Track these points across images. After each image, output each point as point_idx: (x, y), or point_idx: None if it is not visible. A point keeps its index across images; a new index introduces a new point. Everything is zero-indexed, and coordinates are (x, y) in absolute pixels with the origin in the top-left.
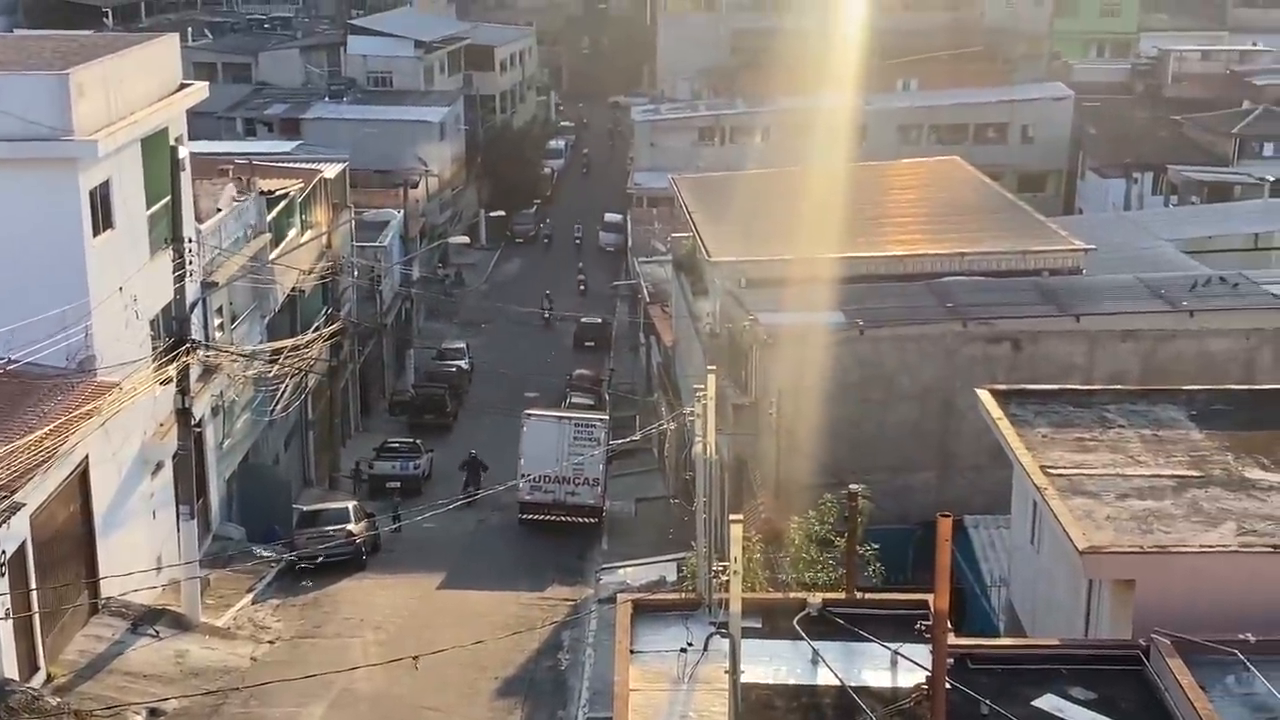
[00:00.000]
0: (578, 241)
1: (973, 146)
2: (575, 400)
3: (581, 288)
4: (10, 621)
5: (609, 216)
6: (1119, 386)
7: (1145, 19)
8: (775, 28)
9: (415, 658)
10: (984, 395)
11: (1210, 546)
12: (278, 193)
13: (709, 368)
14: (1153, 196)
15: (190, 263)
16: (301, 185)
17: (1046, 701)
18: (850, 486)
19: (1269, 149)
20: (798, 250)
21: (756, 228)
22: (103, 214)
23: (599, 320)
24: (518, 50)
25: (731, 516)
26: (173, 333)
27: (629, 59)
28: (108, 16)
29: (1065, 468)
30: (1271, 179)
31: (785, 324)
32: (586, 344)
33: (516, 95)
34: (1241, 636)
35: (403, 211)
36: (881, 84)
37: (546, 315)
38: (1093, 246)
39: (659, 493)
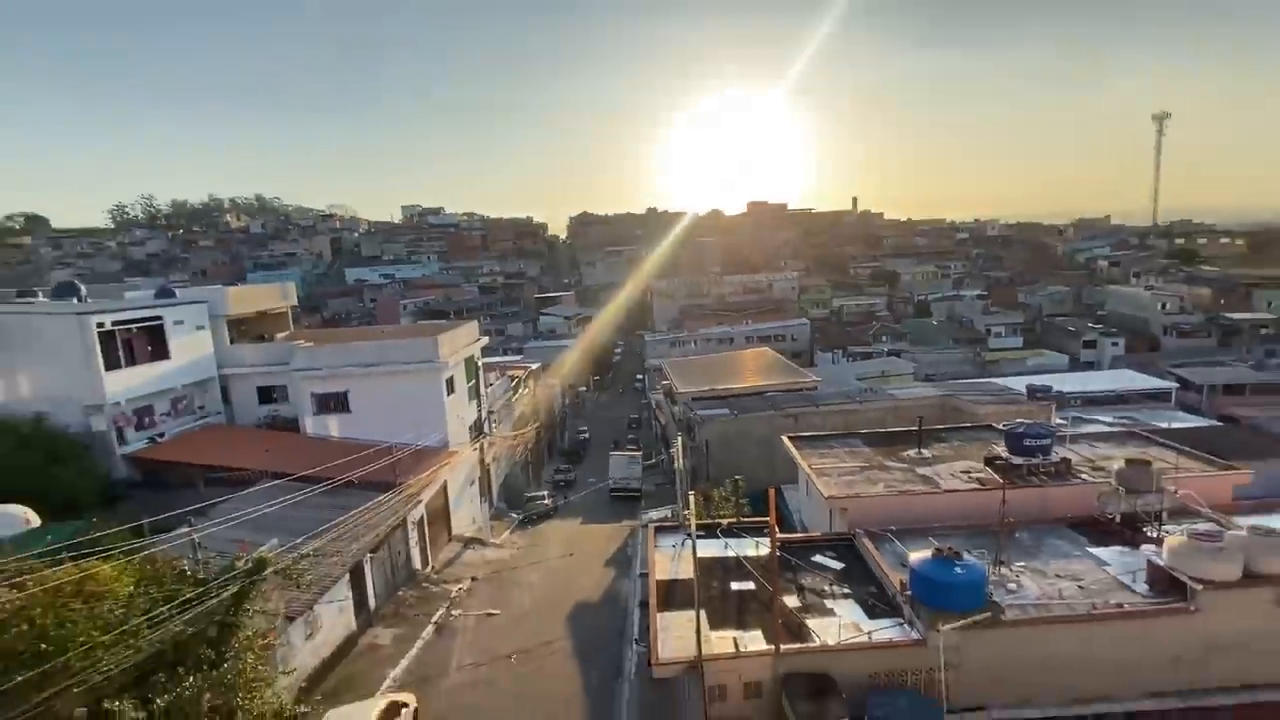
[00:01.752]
0: (636, 384)
1: (773, 343)
2: (629, 448)
3: (634, 423)
4: (418, 546)
5: (638, 376)
6: (835, 432)
7: (834, 293)
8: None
9: (570, 554)
10: (785, 439)
11: (876, 495)
12: (516, 376)
13: (678, 435)
14: (843, 359)
15: (484, 404)
16: (524, 373)
17: (817, 559)
18: (736, 477)
19: (884, 339)
20: (711, 384)
21: (696, 376)
22: (449, 387)
23: (636, 416)
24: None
25: (690, 492)
26: (478, 430)
27: (636, 318)
28: (450, 315)
29: (818, 464)
30: (885, 351)
31: (707, 414)
32: (632, 424)
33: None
34: (890, 529)
35: (560, 381)
36: (738, 321)
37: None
38: (820, 379)
39: (664, 482)
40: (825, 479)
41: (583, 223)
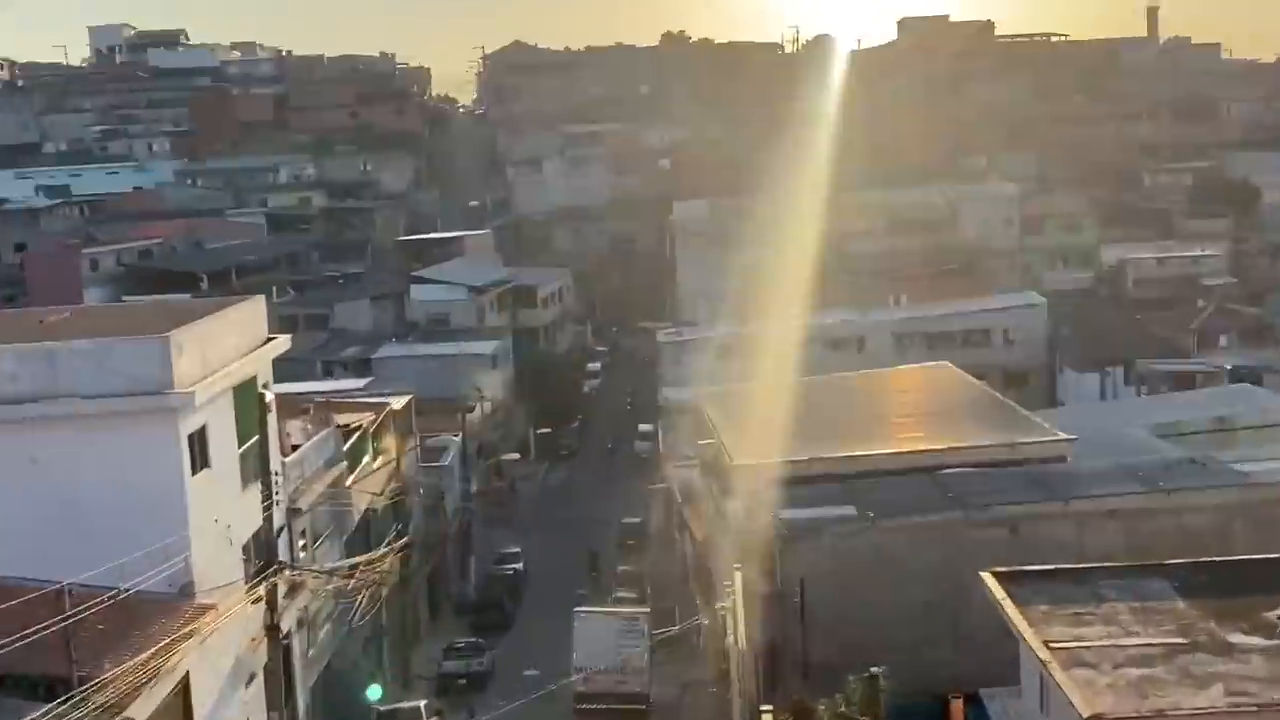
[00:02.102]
0: (609, 448)
1: (959, 351)
2: (620, 595)
3: (629, 539)
4: None
5: (642, 427)
6: (1108, 564)
7: (1104, 233)
8: (776, 258)
9: None
10: (988, 579)
11: (1202, 709)
12: (352, 426)
13: (735, 565)
14: (1124, 387)
15: (276, 493)
16: (373, 418)
17: None
18: (871, 669)
19: (1223, 340)
20: (811, 451)
21: (773, 433)
22: (200, 455)
23: (637, 520)
24: (557, 289)
25: (762, 706)
26: (262, 556)
27: (654, 289)
28: (203, 282)
29: (1065, 641)
30: (1229, 367)
31: (804, 519)
32: (629, 542)
33: (556, 327)
34: None
35: (462, 434)
36: (875, 299)
37: (594, 573)
38: (1074, 436)
39: (702, 676)
40: (1085, 676)
41: (513, 68)
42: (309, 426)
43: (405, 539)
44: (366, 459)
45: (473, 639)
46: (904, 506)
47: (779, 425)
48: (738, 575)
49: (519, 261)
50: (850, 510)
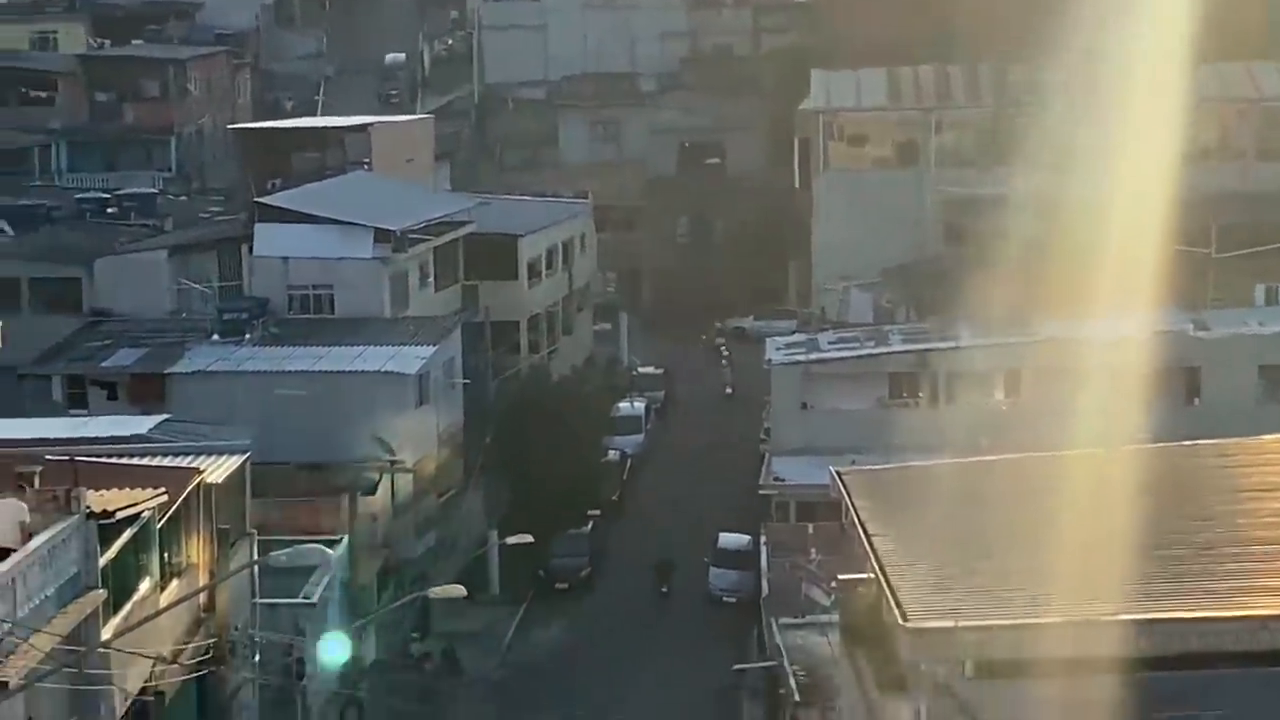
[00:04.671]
0: (664, 592)
1: None
2: None
3: None
4: None
5: (725, 540)
6: None
7: None
8: (1018, 195)
9: None
10: None
11: None
12: (120, 515)
13: None
14: None
15: None
16: (164, 499)
17: None
18: None
19: None
20: (1066, 608)
21: (990, 564)
22: None
23: None
24: (561, 241)
25: None
26: None
27: (760, 254)
28: None
29: None
30: None
31: None
32: None
33: (558, 321)
34: None
35: (347, 540)
36: (1228, 294)
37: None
38: None
39: None
40: None
41: None
42: (28, 514)
43: None
44: (147, 584)
45: None
46: None
47: (1002, 549)
48: None
49: (486, 182)
50: None
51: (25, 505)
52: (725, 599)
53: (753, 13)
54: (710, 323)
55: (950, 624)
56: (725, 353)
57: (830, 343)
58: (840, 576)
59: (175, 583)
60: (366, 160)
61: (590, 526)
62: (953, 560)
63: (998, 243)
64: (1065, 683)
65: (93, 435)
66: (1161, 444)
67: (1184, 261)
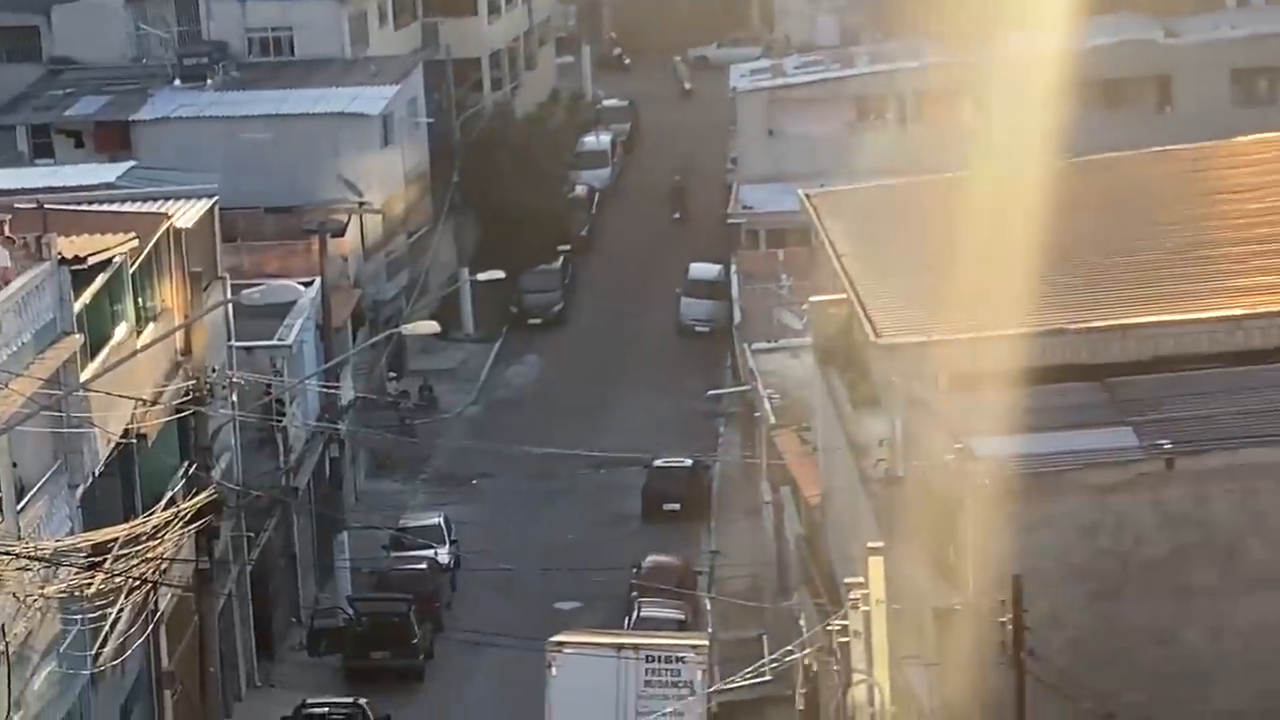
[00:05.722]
0: (677, 218)
1: None
2: (648, 614)
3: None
4: None
5: (696, 270)
6: None
7: None
8: None
9: None
10: None
11: None
12: (92, 261)
13: (871, 547)
14: None
15: None
16: (135, 244)
17: None
18: None
19: None
20: (1039, 318)
21: (962, 281)
22: None
23: (687, 463)
24: None
25: None
26: None
27: None
28: None
29: None
30: None
31: (1023, 455)
32: (666, 506)
33: (520, 56)
34: None
35: (320, 282)
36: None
37: None
38: None
39: None
40: None
41: None
42: (8, 260)
43: (205, 495)
44: (123, 329)
45: (345, 700)
46: (1239, 426)
47: (973, 265)
48: (875, 567)
49: None
50: (1122, 436)
51: (5, 251)
52: (698, 328)
53: None
54: (676, 51)
55: (923, 338)
56: (685, 83)
57: (796, 68)
58: (812, 299)
59: (151, 327)
60: None
61: (561, 261)
62: (924, 276)
63: None
64: (1039, 391)
65: (60, 184)
66: (1134, 151)
67: None
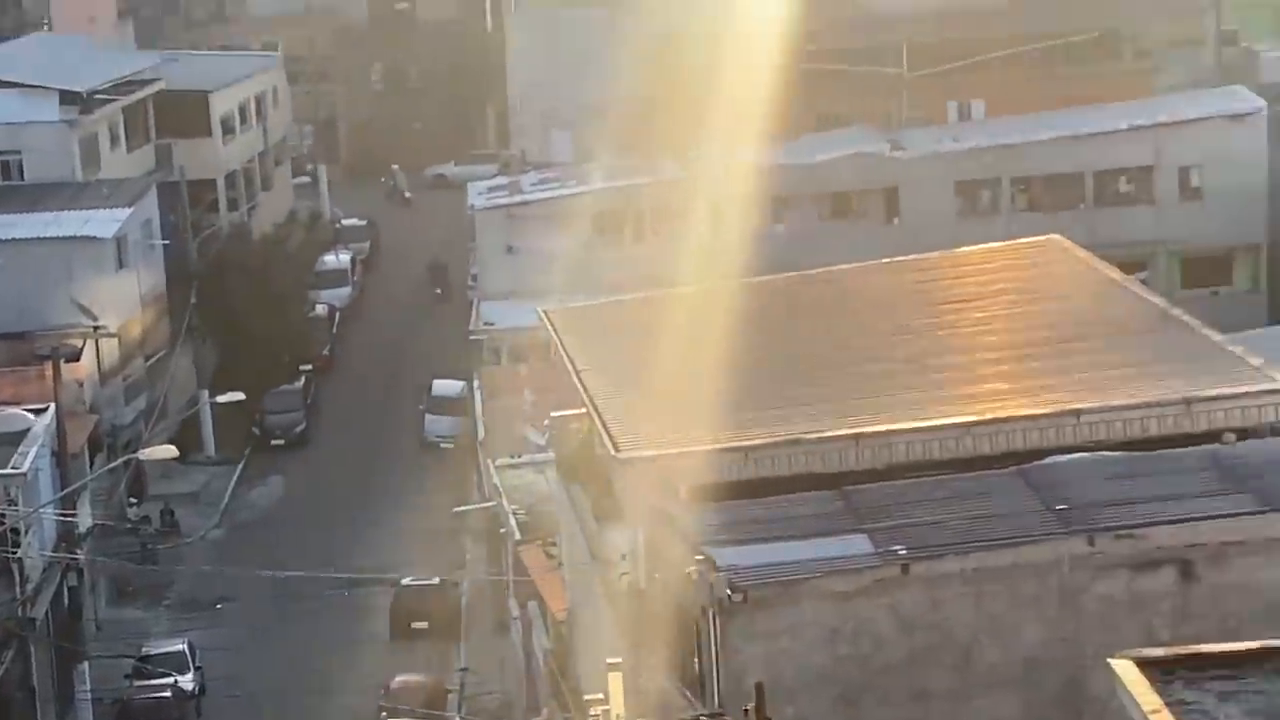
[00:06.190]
0: (439, 293)
1: (1093, 212)
2: None
3: None
4: None
5: (440, 386)
6: None
7: None
8: (720, 30)
9: None
10: (1124, 669)
11: None
12: None
13: (610, 662)
14: None
15: None
16: None
17: None
18: None
19: None
20: (776, 427)
21: (699, 394)
22: None
23: (435, 581)
24: (253, 95)
25: None
26: None
27: (457, 99)
28: None
29: None
30: None
31: (766, 564)
32: (415, 625)
33: (256, 176)
34: None
35: (54, 408)
36: (922, 111)
37: None
38: None
39: None
40: None
41: None
42: None
43: None
44: None
45: None
46: (967, 533)
47: (713, 376)
48: (616, 682)
49: (171, 39)
50: (858, 544)
51: None
52: (442, 445)
53: None
54: (417, 169)
55: (661, 452)
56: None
57: (532, 184)
58: (553, 414)
59: None
60: (46, 20)
61: (303, 381)
62: (662, 390)
63: (698, 74)
64: (777, 501)
65: None
66: (865, 263)
67: (878, 82)
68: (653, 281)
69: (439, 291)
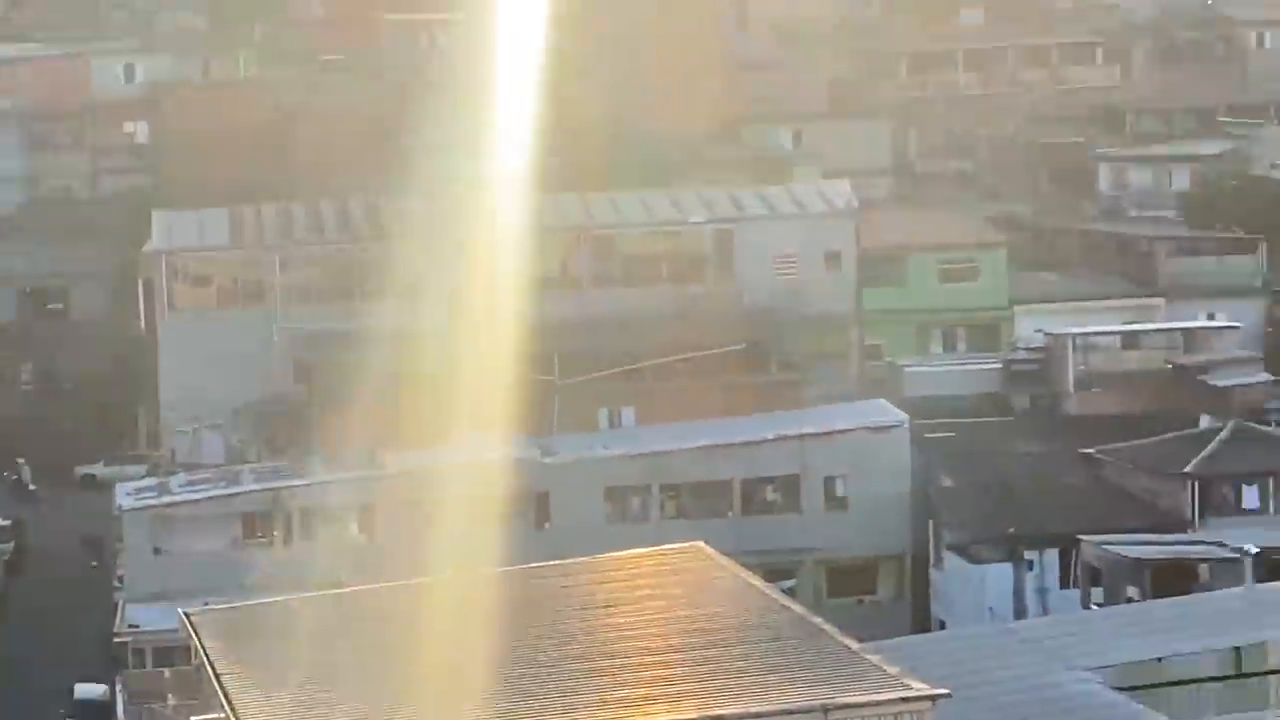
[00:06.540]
0: (94, 565)
1: (741, 520)
2: None
3: None
4: None
5: (82, 690)
6: None
7: (1020, 284)
8: (368, 328)
9: None
10: None
11: None
12: None
13: None
14: (1060, 591)
15: None
16: None
17: None
18: None
19: (1251, 498)
20: None
21: (349, 695)
22: None
23: None
24: None
25: None
26: None
27: (108, 400)
28: None
29: None
30: (1255, 550)
31: None
32: None
33: None
34: None
35: None
36: (573, 419)
37: None
38: (945, 691)
39: None
40: None
41: None
42: None
43: None
44: None
45: None
46: None
47: (358, 683)
48: None
49: None
50: None
51: None
52: None
53: (91, 154)
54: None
55: None
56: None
57: (182, 485)
58: (193, 718)
59: None
60: None
61: None
62: (309, 693)
63: (350, 377)
64: None
65: None
66: (514, 568)
67: (531, 388)
68: (303, 584)
69: (95, 565)
